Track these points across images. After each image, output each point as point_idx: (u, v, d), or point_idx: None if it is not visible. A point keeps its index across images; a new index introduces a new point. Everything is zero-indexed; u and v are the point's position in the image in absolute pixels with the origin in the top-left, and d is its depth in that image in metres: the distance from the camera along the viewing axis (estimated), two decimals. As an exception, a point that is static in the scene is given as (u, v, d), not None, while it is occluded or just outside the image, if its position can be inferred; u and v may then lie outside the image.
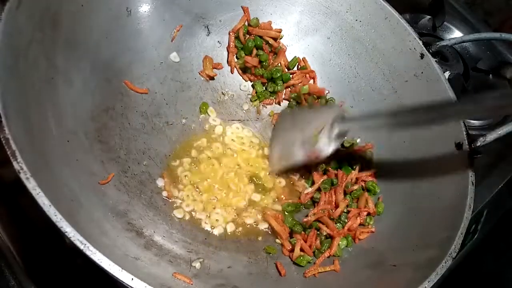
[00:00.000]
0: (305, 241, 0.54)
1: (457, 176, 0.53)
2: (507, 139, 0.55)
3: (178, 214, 0.54)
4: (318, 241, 0.54)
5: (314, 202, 0.60)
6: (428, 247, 0.49)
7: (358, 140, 0.64)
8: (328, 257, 0.54)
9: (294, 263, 0.53)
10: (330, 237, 0.56)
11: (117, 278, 0.36)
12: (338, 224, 0.57)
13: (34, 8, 0.46)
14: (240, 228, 0.56)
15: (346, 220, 0.57)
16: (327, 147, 0.48)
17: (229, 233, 0.55)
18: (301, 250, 0.54)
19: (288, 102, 0.68)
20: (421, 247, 0.50)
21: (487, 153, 0.57)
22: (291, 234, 0.56)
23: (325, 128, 0.48)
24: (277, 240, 0.56)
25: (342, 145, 0.63)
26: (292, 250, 0.54)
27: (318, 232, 0.56)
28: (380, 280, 0.49)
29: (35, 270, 0.51)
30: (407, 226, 0.55)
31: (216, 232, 0.55)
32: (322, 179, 0.61)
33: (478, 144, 0.54)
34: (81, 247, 0.36)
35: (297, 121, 0.52)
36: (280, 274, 0.52)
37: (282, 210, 0.58)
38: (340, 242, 0.54)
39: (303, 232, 0.55)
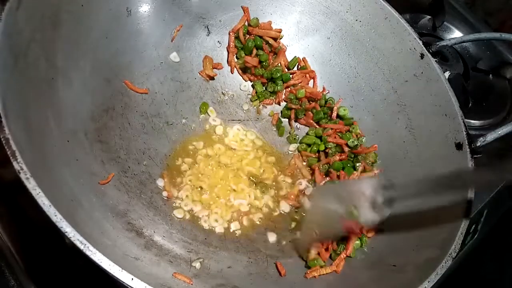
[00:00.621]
0: (322, 244, 0.54)
1: (457, 176, 0.53)
2: (507, 139, 0.55)
3: (178, 214, 0.54)
4: (334, 243, 0.54)
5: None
6: (428, 247, 0.49)
7: (363, 140, 0.64)
8: (345, 258, 0.53)
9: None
10: (345, 238, 0.55)
11: (117, 278, 0.36)
12: None
13: (34, 8, 0.46)
14: (240, 228, 0.56)
15: None
16: (370, 217, 0.45)
17: (229, 233, 0.55)
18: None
19: (286, 103, 0.68)
20: (421, 247, 0.50)
21: (487, 153, 0.57)
22: None
23: (365, 199, 0.45)
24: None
25: (347, 144, 0.63)
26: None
27: None
28: (380, 280, 0.49)
29: (35, 270, 0.51)
30: (408, 227, 0.55)
31: (216, 231, 0.55)
32: (325, 180, 0.61)
33: (478, 144, 0.54)
34: (81, 247, 0.36)
35: (335, 194, 0.50)
36: (280, 274, 0.52)
37: None
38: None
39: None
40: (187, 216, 0.55)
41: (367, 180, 0.54)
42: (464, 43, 0.85)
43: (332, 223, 0.50)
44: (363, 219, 0.46)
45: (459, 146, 0.55)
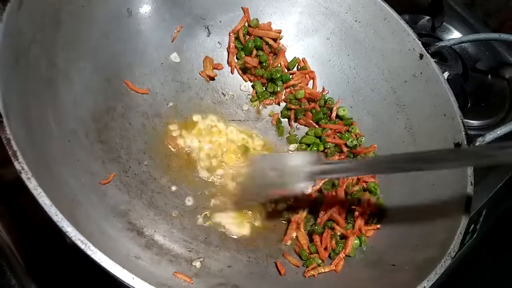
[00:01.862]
0: (321, 243, 0.55)
1: (457, 176, 0.54)
2: (506, 139, 0.55)
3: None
4: (333, 242, 0.55)
5: (316, 203, 0.60)
6: (428, 246, 0.50)
7: (363, 140, 0.64)
8: (344, 257, 0.54)
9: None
10: (344, 237, 0.56)
11: (118, 277, 0.37)
12: (349, 225, 0.57)
13: (35, 8, 0.46)
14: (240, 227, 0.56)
15: (353, 219, 0.57)
16: (301, 187, 0.49)
17: (229, 233, 0.55)
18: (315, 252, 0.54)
19: (285, 103, 0.68)
20: (420, 246, 0.50)
21: (486, 153, 0.57)
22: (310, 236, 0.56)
23: (297, 171, 0.49)
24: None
25: (346, 144, 0.63)
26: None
27: (333, 233, 0.56)
28: (380, 280, 0.49)
29: (36, 269, 0.51)
30: (407, 226, 0.55)
31: (217, 230, 0.55)
32: (323, 180, 0.61)
33: (477, 144, 0.54)
34: (82, 246, 0.36)
35: (271, 165, 0.52)
36: (280, 273, 0.52)
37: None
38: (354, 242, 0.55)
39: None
40: (189, 216, 0.55)
41: (299, 155, 0.58)
42: (463, 44, 0.85)
43: (266, 188, 0.53)
44: (295, 188, 0.49)
45: (458, 146, 0.55)
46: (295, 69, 0.69)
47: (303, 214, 0.58)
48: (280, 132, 0.66)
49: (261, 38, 0.67)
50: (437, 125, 0.58)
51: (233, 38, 0.67)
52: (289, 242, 0.56)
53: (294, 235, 0.57)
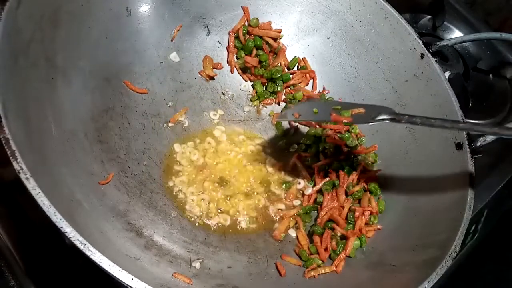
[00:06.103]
0: (321, 244, 0.54)
1: (457, 176, 0.53)
2: (506, 139, 0.55)
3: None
4: (334, 242, 0.55)
5: (317, 204, 0.60)
6: (429, 247, 0.49)
7: (363, 140, 0.64)
8: (344, 258, 0.53)
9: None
10: (344, 237, 0.56)
11: (117, 278, 0.36)
12: (349, 225, 0.57)
13: (33, 8, 0.46)
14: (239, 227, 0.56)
15: (353, 220, 0.57)
16: None
17: (228, 232, 0.55)
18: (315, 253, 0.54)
19: (285, 103, 0.68)
20: (421, 247, 0.50)
21: (487, 153, 0.57)
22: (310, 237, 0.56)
23: None
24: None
25: (346, 144, 0.63)
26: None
27: (333, 233, 0.56)
28: (380, 281, 0.49)
29: (34, 270, 0.51)
30: (408, 227, 0.55)
31: (213, 229, 0.55)
32: (324, 181, 0.61)
33: (478, 144, 0.54)
34: (81, 247, 0.36)
35: None
36: (280, 274, 0.52)
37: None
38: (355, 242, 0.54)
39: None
40: (188, 217, 0.55)
41: None
42: (464, 43, 0.85)
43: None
44: None
45: (459, 146, 0.55)
46: (295, 68, 0.69)
47: (293, 210, 0.57)
48: (280, 132, 0.66)
49: (261, 37, 0.67)
50: (438, 125, 0.58)
51: (233, 38, 0.66)
52: (280, 237, 0.55)
53: (294, 235, 0.56)
